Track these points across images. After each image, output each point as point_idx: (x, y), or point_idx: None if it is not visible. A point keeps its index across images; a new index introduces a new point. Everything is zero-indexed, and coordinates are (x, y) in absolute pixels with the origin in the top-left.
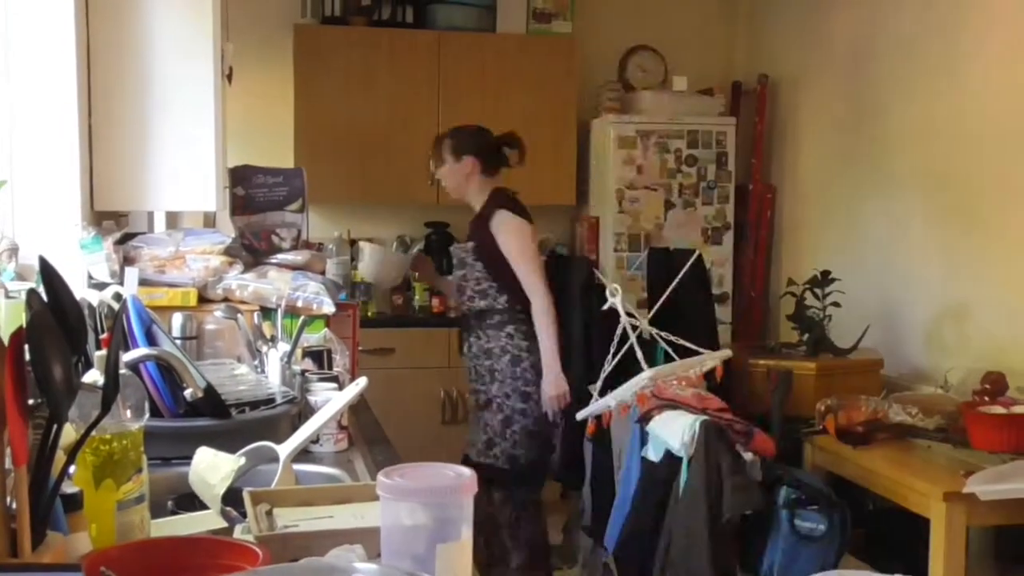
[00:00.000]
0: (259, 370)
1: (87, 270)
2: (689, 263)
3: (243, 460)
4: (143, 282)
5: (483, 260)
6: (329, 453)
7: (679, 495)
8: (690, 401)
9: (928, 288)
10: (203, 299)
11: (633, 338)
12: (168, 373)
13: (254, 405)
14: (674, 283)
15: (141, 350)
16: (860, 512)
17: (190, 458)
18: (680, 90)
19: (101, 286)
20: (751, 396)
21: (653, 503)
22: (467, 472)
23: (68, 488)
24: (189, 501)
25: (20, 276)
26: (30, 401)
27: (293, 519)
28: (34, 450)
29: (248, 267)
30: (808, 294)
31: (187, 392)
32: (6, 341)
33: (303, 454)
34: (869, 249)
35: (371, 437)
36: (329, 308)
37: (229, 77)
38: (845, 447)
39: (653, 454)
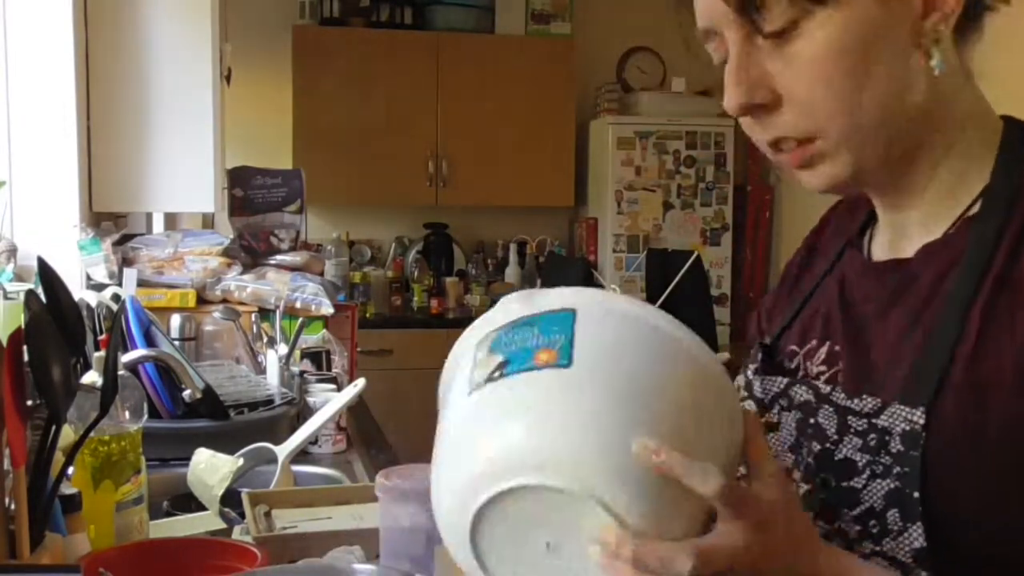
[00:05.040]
0: (258, 371)
1: (85, 271)
2: (688, 264)
3: (241, 461)
4: (142, 283)
5: None
6: (327, 454)
7: None
8: None
9: None
10: (202, 300)
11: None
12: (167, 374)
13: (252, 406)
14: (672, 284)
15: (140, 351)
16: None
17: (188, 459)
18: (679, 91)
19: (100, 287)
20: None
21: None
22: None
23: (67, 489)
24: (184, 502)
25: (19, 277)
26: (28, 402)
27: (292, 520)
28: (33, 451)
29: (247, 268)
30: None
31: (186, 393)
32: (5, 342)
33: (301, 455)
34: None
35: (370, 438)
36: (328, 309)
37: (228, 78)
38: None
39: None
